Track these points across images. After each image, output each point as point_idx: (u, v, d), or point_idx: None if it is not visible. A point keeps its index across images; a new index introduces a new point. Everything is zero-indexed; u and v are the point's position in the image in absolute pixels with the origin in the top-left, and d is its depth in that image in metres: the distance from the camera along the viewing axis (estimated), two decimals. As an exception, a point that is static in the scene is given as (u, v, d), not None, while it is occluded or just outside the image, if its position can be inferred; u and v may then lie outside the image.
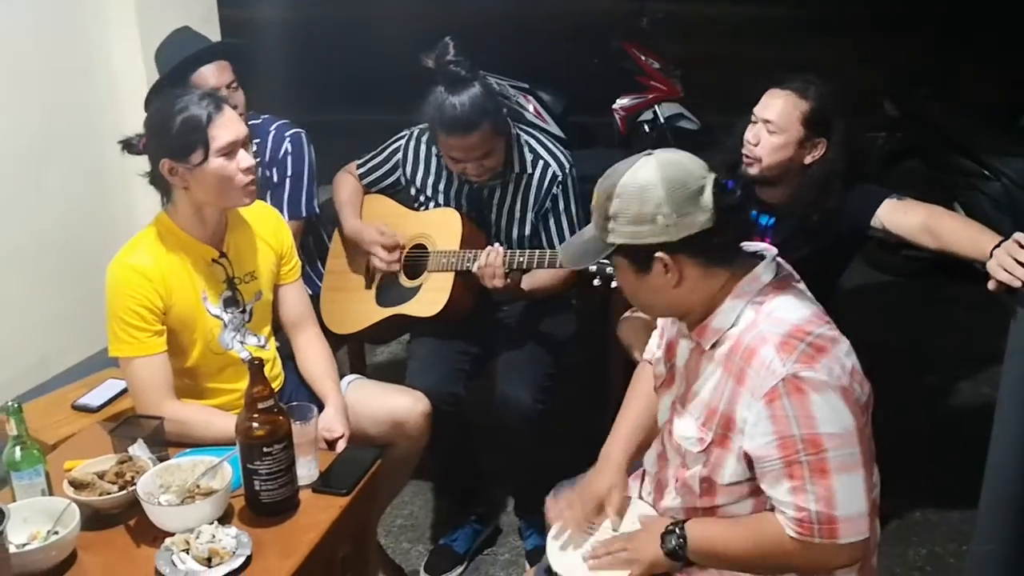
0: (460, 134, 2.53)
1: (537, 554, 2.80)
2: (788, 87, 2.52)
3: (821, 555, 1.60)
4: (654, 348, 1.97)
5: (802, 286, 1.72)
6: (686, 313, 1.70)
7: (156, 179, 2.16)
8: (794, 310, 1.62)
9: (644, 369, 2.04)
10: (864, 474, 1.57)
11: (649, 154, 1.62)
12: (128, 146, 2.17)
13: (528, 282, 2.69)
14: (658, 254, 1.59)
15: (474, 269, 2.58)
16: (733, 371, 1.62)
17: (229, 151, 2.09)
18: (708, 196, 1.56)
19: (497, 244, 2.60)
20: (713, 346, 1.66)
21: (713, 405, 1.66)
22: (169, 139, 2.08)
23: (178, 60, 2.85)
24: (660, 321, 1.95)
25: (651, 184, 1.56)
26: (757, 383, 1.57)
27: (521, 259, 2.55)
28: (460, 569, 2.86)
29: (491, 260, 2.54)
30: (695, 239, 1.57)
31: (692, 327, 1.70)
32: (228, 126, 2.09)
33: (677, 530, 1.71)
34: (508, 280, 2.55)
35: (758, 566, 1.68)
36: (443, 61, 2.54)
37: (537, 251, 2.57)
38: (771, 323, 1.60)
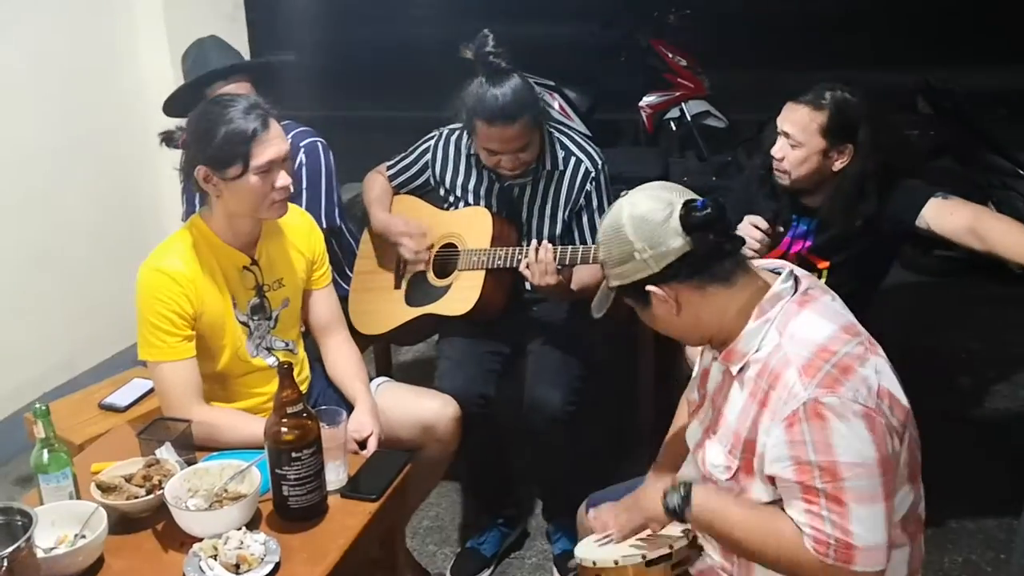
0: (501, 124, 2.49)
1: (565, 558, 2.76)
2: (803, 100, 2.49)
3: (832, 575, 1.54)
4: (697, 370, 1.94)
5: (827, 297, 1.67)
6: (707, 337, 1.68)
7: (191, 179, 2.13)
8: (818, 329, 1.58)
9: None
10: (885, 506, 1.52)
11: (623, 195, 1.65)
12: (168, 139, 2.15)
13: (576, 281, 2.61)
14: (648, 287, 1.60)
15: (521, 268, 2.52)
16: (758, 395, 1.59)
17: (268, 169, 2.06)
18: (675, 221, 1.56)
19: (545, 240, 2.53)
20: (741, 370, 1.63)
21: (738, 431, 1.63)
22: (210, 148, 2.05)
23: (198, 71, 2.84)
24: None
25: (620, 225, 1.59)
26: (779, 407, 1.53)
27: (568, 254, 2.48)
28: (487, 573, 2.82)
29: (542, 256, 2.47)
30: (677, 265, 1.57)
31: (720, 350, 1.67)
32: (272, 144, 2.06)
33: (682, 489, 1.66)
34: (560, 277, 2.50)
35: (761, 557, 1.63)
36: (483, 52, 2.51)
37: (582, 246, 2.50)
38: (795, 345, 1.56)
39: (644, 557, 1.70)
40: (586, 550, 1.81)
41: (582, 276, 2.63)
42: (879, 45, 6.39)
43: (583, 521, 2.10)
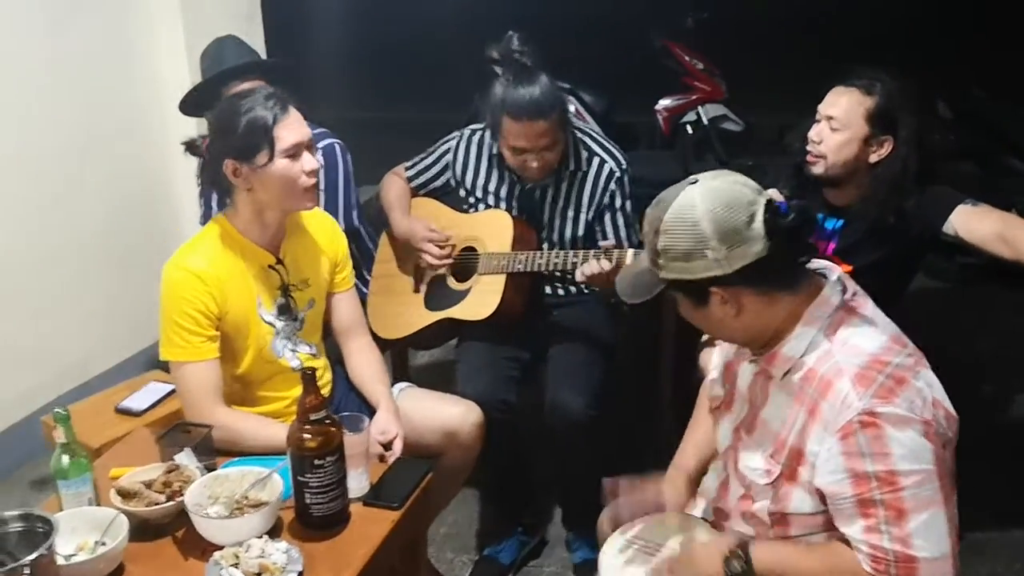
0: (530, 119, 2.47)
1: (585, 568, 2.73)
2: (853, 84, 2.47)
3: None
4: (714, 367, 1.90)
5: (871, 305, 1.63)
6: (753, 340, 1.63)
7: (217, 180, 2.11)
8: (870, 338, 1.54)
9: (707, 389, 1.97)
10: (947, 513, 1.48)
11: (694, 182, 1.53)
12: (191, 148, 2.14)
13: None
14: (712, 288, 1.52)
15: (579, 278, 2.45)
16: (806, 403, 1.54)
17: (294, 153, 2.06)
18: (759, 224, 1.47)
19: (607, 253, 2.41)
20: (784, 374, 1.59)
21: (783, 437, 1.59)
22: (234, 140, 2.04)
23: (215, 70, 2.82)
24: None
25: (696, 219, 1.48)
26: (831, 417, 1.49)
27: (556, 260, 2.48)
28: (505, 581, 2.79)
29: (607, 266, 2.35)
30: (750, 269, 1.49)
31: (759, 352, 1.63)
32: (294, 127, 2.06)
33: (741, 552, 1.64)
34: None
35: None
36: (509, 51, 2.52)
37: (575, 251, 2.48)
38: (847, 353, 1.52)
39: None
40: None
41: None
42: (901, 49, 6.34)
43: (603, 529, 2.07)
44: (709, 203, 1.48)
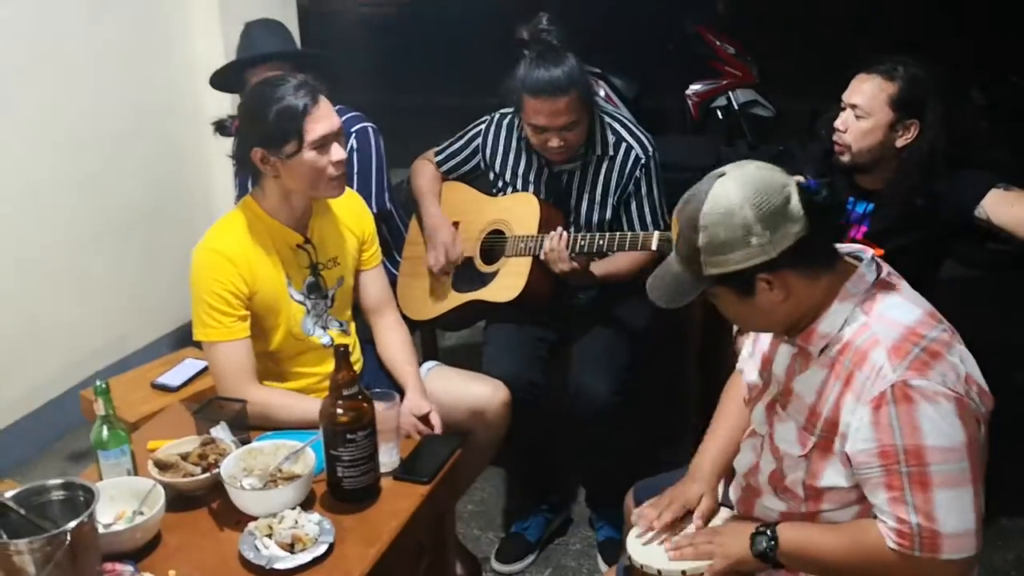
0: (549, 96, 2.48)
1: (609, 545, 2.76)
2: (875, 70, 2.45)
3: (921, 569, 1.52)
4: (746, 357, 1.91)
5: (906, 284, 1.65)
6: (794, 324, 1.63)
7: (245, 163, 2.15)
8: (906, 311, 1.56)
9: (737, 377, 1.98)
10: (973, 490, 1.49)
11: (722, 174, 1.54)
12: (220, 128, 2.17)
13: (600, 268, 2.63)
14: (759, 275, 1.53)
15: (540, 255, 2.54)
16: (841, 374, 1.56)
17: (322, 144, 2.08)
18: (796, 203, 1.49)
19: (560, 228, 2.54)
20: (821, 350, 1.60)
21: (817, 409, 1.60)
22: (263, 128, 2.06)
23: (242, 52, 2.86)
24: None
25: (735, 206, 1.49)
26: (865, 387, 1.51)
27: (583, 243, 2.50)
28: (531, 558, 2.83)
29: (554, 244, 2.50)
30: (793, 250, 1.50)
31: (795, 333, 1.64)
32: (324, 119, 2.08)
33: (768, 531, 1.66)
34: (575, 264, 2.50)
35: (852, 573, 1.63)
36: (537, 31, 2.53)
37: (600, 234, 2.51)
38: (883, 325, 1.54)
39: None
40: (644, 554, 1.78)
41: (607, 266, 2.64)
42: (934, 35, 6.27)
43: (631, 509, 2.09)
44: (745, 191, 1.50)
